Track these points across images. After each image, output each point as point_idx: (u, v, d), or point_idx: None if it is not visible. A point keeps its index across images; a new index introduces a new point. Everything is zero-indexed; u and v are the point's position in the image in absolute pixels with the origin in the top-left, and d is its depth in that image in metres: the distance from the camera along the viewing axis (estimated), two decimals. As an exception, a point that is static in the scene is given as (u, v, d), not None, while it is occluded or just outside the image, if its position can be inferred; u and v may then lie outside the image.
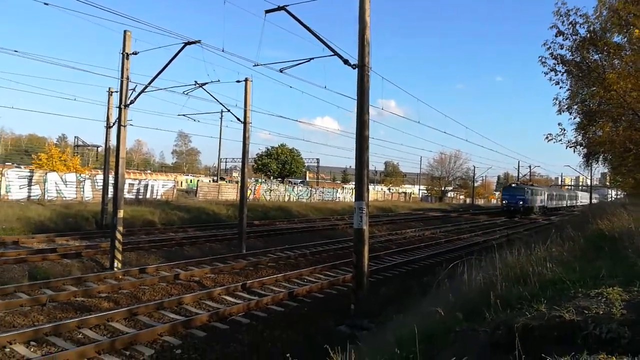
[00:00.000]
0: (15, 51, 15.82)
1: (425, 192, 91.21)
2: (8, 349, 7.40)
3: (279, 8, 10.13)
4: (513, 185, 55.55)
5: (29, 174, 29.54)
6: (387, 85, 26.78)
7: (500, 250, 7.89)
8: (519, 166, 68.36)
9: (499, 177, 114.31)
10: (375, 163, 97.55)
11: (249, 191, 35.72)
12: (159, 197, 36.34)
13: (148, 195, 35.81)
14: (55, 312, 9.69)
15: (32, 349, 7.52)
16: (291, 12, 10.08)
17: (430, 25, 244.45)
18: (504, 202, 52.30)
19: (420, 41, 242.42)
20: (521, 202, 49.27)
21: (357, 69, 9.94)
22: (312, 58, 11.51)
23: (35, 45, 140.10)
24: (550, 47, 12.72)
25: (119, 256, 14.41)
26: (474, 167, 77.66)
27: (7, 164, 53.82)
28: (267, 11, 10.38)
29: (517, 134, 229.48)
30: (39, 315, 9.45)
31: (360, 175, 9.90)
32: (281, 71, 12.25)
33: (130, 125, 15.55)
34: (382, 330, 7.43)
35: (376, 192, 72.30)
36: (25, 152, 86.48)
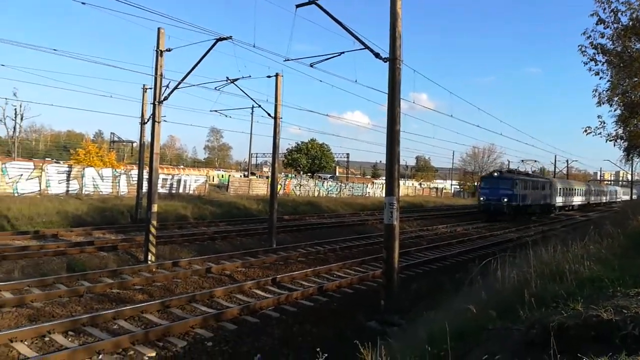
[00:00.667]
0: (55, 50, 16.35)
1: (458, 187, 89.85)
2: (47, 338, 7.66)
3: (310, 2, 10.07)
4: (495, 174, 37.53)
5: (67, 169, 30.54)
6: (419, 78, 26.46)
7: (535, 247, 7.71)
8: (555, 160, 66.58)
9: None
10: (406, 158, 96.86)
11: (279, 186, 36.00)
12: (191, 192, 37.02)
13: (181, 190, 36.52)
14: (92, 303, 9.98)
15: (70, 339, 7.76)
16: (322, 5, 10.02)
17: (461, 15, 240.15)
18: (481, 198, 36.35)
19: (451, 33, 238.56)
20: (506, 199, 33.99)
21: (388, 62, 9.82)
22: (343, 52, 11.42)
23: (73, 44, 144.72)
24: (590, 35, 12.31)
25: (153, 249, 14.74)
26: (508, 162, 75.57)
27: (47, 159, 55.73)
28: (298, 5, 10.34)
29: (554, 128, 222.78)
30: (76, 306, 9.76)
31: (391, 170, 9.80)
32: (312, 66, 12.19)
33: (164, 121, 15.81)
34: (412, 326, 7.37)
35: (407, 188, 71.73)
36: (64, 148, 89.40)
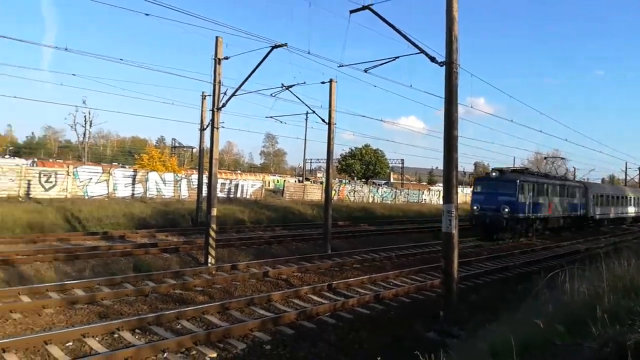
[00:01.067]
0: (121, 59, 17.26)
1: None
2: (117, 335, 8.06)
3: (364, 7, 10.06)
4: (493, 174, 26.57)
5: (132, 173, 32.15)
6: (476, 81, 25.39)
7: (607, 260, 7.28)
8: (626, 167, 62.65)
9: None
10: (464, 164, 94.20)
11: (333, 192, 36.12)
12: (248, 197, 37.86)
13: (238, 195, 37.42)
14: (156, 303, 10.41)
15: (137, 336, 8.12)
16: (376, 10, 9.99)
17: (520, 16, 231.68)
18: (474, 207, 26.10)
19: (510, 33, 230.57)
20: (507, 209, 24.33)
21: (444, 66, 9.65)
22: (398, 57, 11.32)
23: (137, 53, 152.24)
24: None
25: (213, 252, 15.18)
26: (574, 169, 72.14)
27: (113, 164, 58.92)
28: (352, 11, 10.37)
29: (624, 133, 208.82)
30: (142, 305, 10.21)
31: (449, 176, 9.60)
32: (366, 71, 12.21)
33: (222, 127, 16.32)
34: (472, 338, 7.14)
35: (465, 195, 69.72)
36: (129, 153, 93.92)
